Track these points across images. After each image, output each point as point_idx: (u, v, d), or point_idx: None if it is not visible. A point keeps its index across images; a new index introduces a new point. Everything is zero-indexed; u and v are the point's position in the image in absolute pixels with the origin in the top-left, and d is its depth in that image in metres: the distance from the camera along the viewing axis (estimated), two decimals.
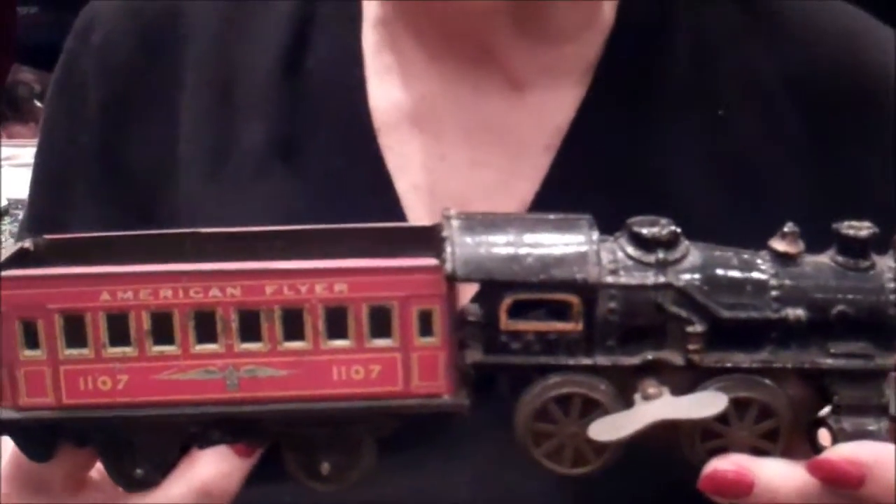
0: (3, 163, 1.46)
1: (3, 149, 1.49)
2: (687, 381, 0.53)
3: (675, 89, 0.74)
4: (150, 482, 0.54)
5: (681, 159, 0.73)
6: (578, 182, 0.73)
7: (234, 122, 0.76)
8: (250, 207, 0.74)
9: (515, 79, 0.74)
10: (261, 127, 0.75)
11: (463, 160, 0.74)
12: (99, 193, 0.78)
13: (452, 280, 0.52)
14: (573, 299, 0.52)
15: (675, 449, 0.54)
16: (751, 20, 0.76)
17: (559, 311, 0.53)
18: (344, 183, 0.74)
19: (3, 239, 1.45)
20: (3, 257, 0.55)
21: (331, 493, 0.66)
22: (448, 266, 0.52)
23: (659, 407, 0.52)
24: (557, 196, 0.72)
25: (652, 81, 0.74)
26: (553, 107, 0.74)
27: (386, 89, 0.75)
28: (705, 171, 0.73)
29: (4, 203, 1.46)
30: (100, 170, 0.78)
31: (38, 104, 1.66)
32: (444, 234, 0.53)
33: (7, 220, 1.44)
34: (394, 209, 0.73)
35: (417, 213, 0.73)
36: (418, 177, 0.74)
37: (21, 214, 1.41)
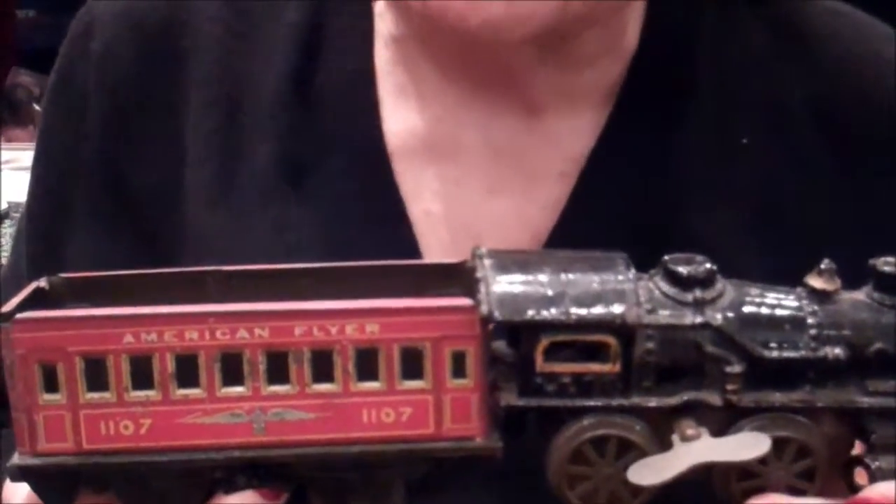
0: (2, 166, 1.44)
1: (3, 152, 1.47)
2: (723, 420, 0.53)
3: (699, 118, 0.73)
4: None
5: (703, 190, 0.72)
6: (597, 213, 0.71)
7: (240, 144, 0.73)
8: (258, 234, 0.72)
9: (533, 102, 0.72)
10: (268, 149, 0.73)
11: (478, 187, 0.73)
12: (99, 208, 0.76)
13: (489, 322, 0.51)
14: (611, 340, 0.52)
15: (707, 488, 0.53)
16: (778, 44, 0.75)
17: (592, 351, 0.52)
18: (355, 209, 0.72)
19: (4, 243, 1.43)
20: (19, 298, 0.53)
21: None
22: (484, 307, 0.51)
23: (701, 449, 0.51)
24: (575, 228, 0.71)
25: (674, 109, 0.73)
26: (570, 133, 0.73)
27: (400, 111, 0.73)
28: (728, 203, 0.72)
29: (4, 206, 1.44)
30: (100, 185, 0.76)
31: (37, 107, 1.64)
32: (479, 274, 0.52)
33: (7, 223, 1.42)
34: (406, 236, 0.71)
35: (429, 241, 0.72)
36: (432, 203, 0.72)
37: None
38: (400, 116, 0.73)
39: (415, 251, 0.71)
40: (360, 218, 0.72)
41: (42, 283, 0.55)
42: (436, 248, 0.72)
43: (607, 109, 0.73)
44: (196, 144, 0.74)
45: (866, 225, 0.72)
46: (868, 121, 0.74)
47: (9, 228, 1.45)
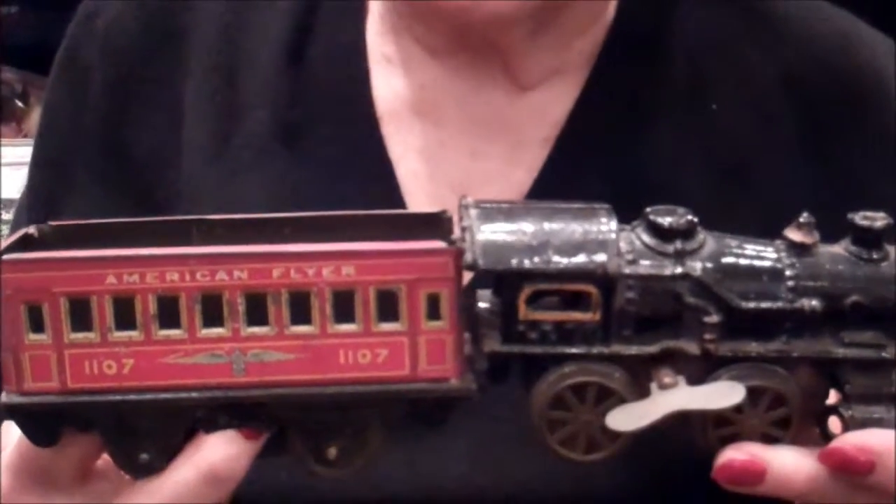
0: None
1: None
2: (700, 369, 0.54)
3: (671, 83, 0.75)
4: (154, 467, 0.54)
5: (675, 153, 0.74)
6: (574, 174, 0.73)
7: (237, 108, 0.76)
8: (251, 191, 0.74)
9: (519, 77, 0.75)
10: (264, 113, 0.76)
11: (463, 149, 0.75)
12: (99, 175, 0.78)
13: (473, 270, 0.52)
14: (592, 289, 0.52)
15: (685, 435, 0.54)
16: (748, 21, 0.77)
17: (574, 299, 0.53)
18: (345, 169, 0.74)
19: None
20: (7, 242, 0.54)
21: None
22: (468, 256, 0.52)
23: (678, 397, 0.52)
24: (553, 188, 0.73)
25: (648, 77, 0.75)
26: (553, 101, 0.75)
27: (388, 79, 0.76)
28: (699, 166, 0.74)
29: None
30: (101, 151, 0.78)
31: (20, 104, 1.66)
32: (464, 223, 0.53)
33: None
34: (393, 195, 0.74)
35: (417, 199, 0.74)
36: (418, 164, 0.75)
37: (4, 214, 1.41)
38: (388, 83, 0.76)
39: (402, 209, 0.73)
40: (349, 177, 0.75)
41: (31, 230, 0.56)
42: (421, 206, 0.73)
43: (586, 76, 0.75)
44: (194, 107, 0.77)
45: (829, 186, 0.74)
46: (831, 91, 0.76)
47: None
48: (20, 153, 1.38)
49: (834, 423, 0.55)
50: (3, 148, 1.37)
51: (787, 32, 0.77)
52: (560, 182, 0.73)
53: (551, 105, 0.75)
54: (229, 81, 0.77)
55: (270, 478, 0.68)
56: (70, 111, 0.80)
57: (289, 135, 0.75)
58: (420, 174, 0.74)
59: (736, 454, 0.53)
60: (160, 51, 0.78)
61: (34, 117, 1.47)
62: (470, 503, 0.69)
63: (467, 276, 0.54)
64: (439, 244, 0.52)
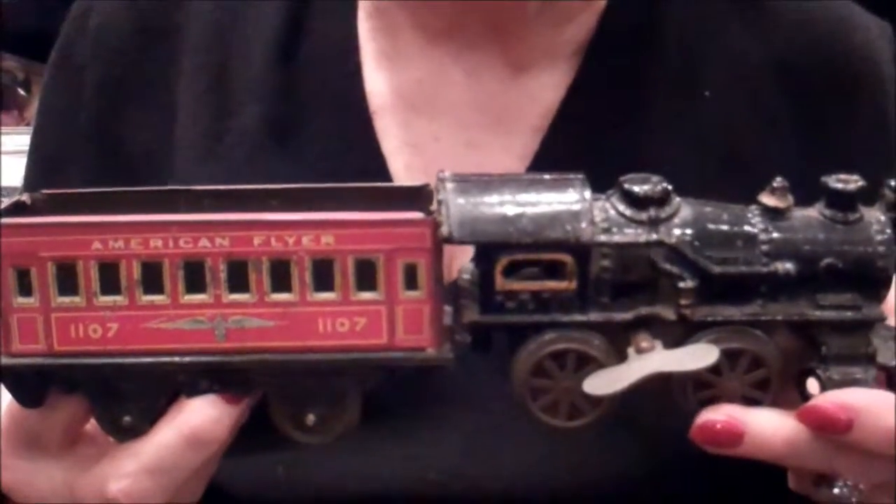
0: None
1: None
2: (679, 333, 0.54)
3: (663, 70, 0.75)
4: (137, 430, 0.55)
5: (667, 139, 0.74)
6: (566, 161, 0.73)
7: (229, 105, 0.77)
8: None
9: (518, 60, 0.75)
10: (256, 110, 0.76)
11: (457, 141, 0.75)
12: (93, 175, 0.79)
13: (448, 242, 0.53)
14: (567, 258, 0.53)
15: (667, 398, 0.55)
16: (740, 7, 0.78)
17: (552, 269, 0.54)
18: (338, 165, 0.75)
19: None
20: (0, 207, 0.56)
21: (321, 460, 0.67)
22: (444, 228, 0.53)
23: (652, 361, 0.53)
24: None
25: (640, 62, 0.75)
26: (546, 88, 0.75)
27: (381, 74, 0.76)
28: (691, 151, 0.74)
29: None
30: (95, 151, 0.79)
31: (22, 92, 1.66)
32: (440, 196, 0.54)
33: None
34: None
35: None
36: (412, 158, 0.75)
37: (6, 202, 1.42)
38: (381, 78, 0.76)
39: None
40: (343, 173, 0.74)
41: (24, 197, 0.58)
42: None
43: (578, 63, 0.75)
44: (187, 105, 0.77)
45: (823, 171, 0.74)
46: (824, 75, 0.76)
47: None
48: (22, 141, 1.39)
49: (813, 384, 0.56)
50: (5, 136, 1.38)
51: (781, 17, 0.78)
52: (552, 169, 0.74)
53: (544, 92, 0.75)
54: (221, 79, 0.77)
55: (267, 471, 0.69)
56: (64, 110, 0.80)
57: (281, 131, 0.75)
58: (414, 168, 0.75)
59: (714, 415, 0.53)
60: (152, 49, 0.79)
61: (36, 105, 1.48)
62: (464, 495, 0.70)
63: (451, 249, 0.55)
64: (416, 215, 0.53)
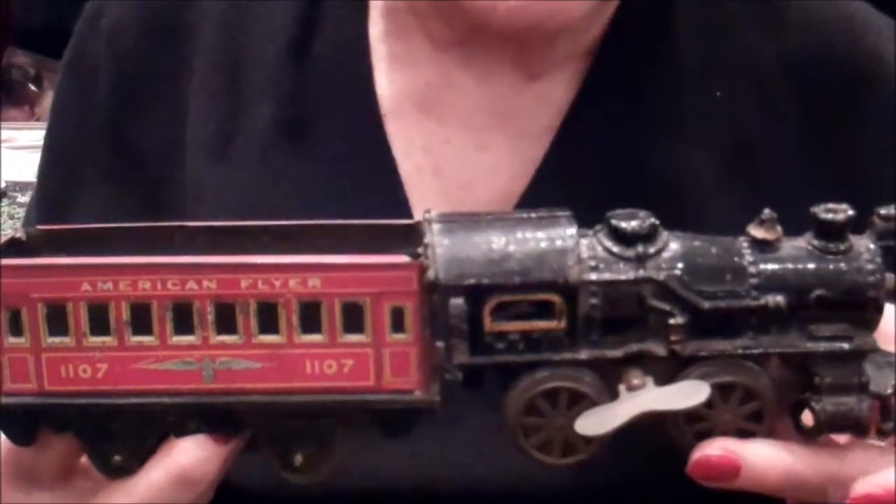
0: (1, 146, 1.47)
1: (1, 132, 1.50)
2: (670, 368, 0.54)
3: (674, 71, 0.75)
4: (127, 469, 0.56)
5: (677, 140, 0.74)
6: (576, 163, 0.74)
7: (240, 105, 0.77)
8: (255, 188, 0.76)
9: (530, 67, 0.75)
10: (267, 110, 0.76)
11: (468, 144, 0.75)
12: (107, 174, 0.80)
13: (436, 286, 0.52)
14: (555, 298, 0.53)
15: (662, 432, 0.55)
16: (751, 6, 0.77)
17: (542, 307, 0.54)
18: (349, 166, 0.75)
19: (2, 221, 1.47)
20: None
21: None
22: (431, 273, 0.53)
23: (644, 399, 0.53)
24: (555, 176, 0.73)
25: (651, 64, 0.75)
26: (557, 89, 0.75)
27: (392, 76, 0.76)
28: (701, 152, 0.74)
29: (3, 185, 1.48)
30: (109, 150, 0.80)
31: (33, 87, 1.67)
32: (426, 239, 0.54)
33: (5, 202, 1.45)
34: (397, 191, 0.74)
35: (421, 195, 0.75)
36: (422, 160, 0.75)
37: (19, 197, 1.43)
38: (392, 80, 0.76)
39: (405, 205, 0.74)
40: (353, 173, 0.75)
41: (19, 234, 0.58)
42: (426, 201, 0.74)
43: (589, 64, 0.75)
44: (199, 106, 0.78)
45: (832, 171, 0.75)
46: (835, 75, 0.76)
47: (6, 207, 1.48)
48: (34, 136, 1.40)
49: (807, 415, 0.56)
50: (17, 132, 1.40)
51: (791, 16, 0.77)
52: (563, 171, 0.74)
53: (555, 93, 0.75)
54: (232, 79, 0.78)
55: (271, 468, 0.69)
56: (78, 110, 0.81)
57: (292, 131, 0.76)
58: (424, 169, 0.75)
59: (709, 449, 0.53)
60: (164, 49, 0.79)
61: (47, 101, 1.49)
62: (471, 493, 0.70)
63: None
64: (402, 258, 0.53)
